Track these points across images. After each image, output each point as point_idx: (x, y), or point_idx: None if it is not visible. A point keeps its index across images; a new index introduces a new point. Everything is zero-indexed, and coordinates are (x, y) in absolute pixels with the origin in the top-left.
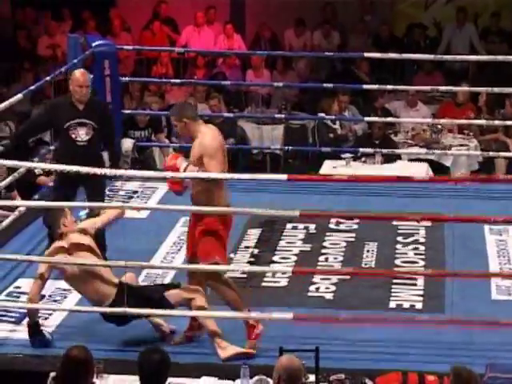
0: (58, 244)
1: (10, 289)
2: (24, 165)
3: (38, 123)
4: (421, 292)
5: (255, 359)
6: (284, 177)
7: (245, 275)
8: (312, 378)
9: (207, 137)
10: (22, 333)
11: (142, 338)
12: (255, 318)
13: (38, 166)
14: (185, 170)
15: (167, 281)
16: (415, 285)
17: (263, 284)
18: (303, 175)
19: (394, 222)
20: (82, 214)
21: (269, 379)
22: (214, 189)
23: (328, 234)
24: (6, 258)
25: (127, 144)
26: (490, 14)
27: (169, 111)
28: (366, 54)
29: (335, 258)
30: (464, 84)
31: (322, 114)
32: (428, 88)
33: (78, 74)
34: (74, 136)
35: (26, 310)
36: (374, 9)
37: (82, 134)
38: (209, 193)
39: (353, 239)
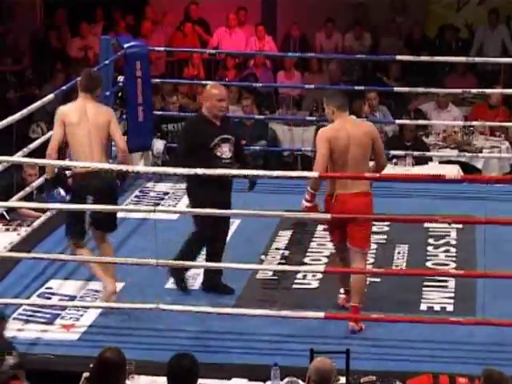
0: None
1: (42, 289)
2: (72, 164)
3: (186, 151)
4: (452, 294)
5: (286, 360)
6: (315, 174)
7: (276, 277)
8: (343, 380)
9: (326, 127)
10: (53, 333)
11: (173, 339)
12: (286, 317)
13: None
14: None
15: (198, 283)
16: (446, 287)
17: (294, 286)
18: (333, 173)
19: (426, 224)
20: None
21: (299, 381)
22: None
23: None
24: (38, 257)
25: (158, 145)
26: None
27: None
28: (398, 57)
29: (366, 260)
30: (497, 86)
31: (353, 116)
32: (459, 90)
33: (216, 88)
34: (219, 154)
35: (56, 311)
36: (405, 10)
37: (225, 151)
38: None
39: (384, 241)
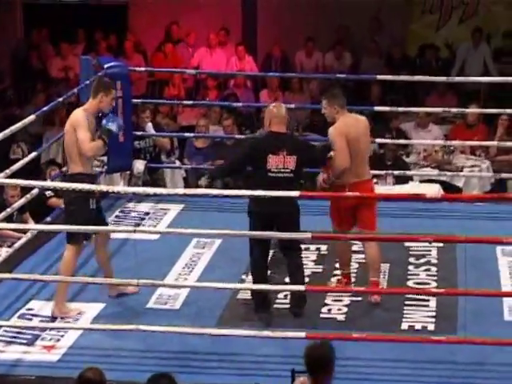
0: None
1: (23, 310)
2: (49, 185)
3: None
4: (433, 313)
5: (267, 381)
6: (296, 193)
7: None
8: None
9: (337, 124)
10: (34, 354)
11: (154, 360)
12: (268, 337)
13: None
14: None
15: (179, 303)
16: (427, 306)
17: (275, 306)
18: (315, 192)
19: (406, 243)
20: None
21: None
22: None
23: None
24: (18, 277)
25: (139, 165)
26: (502, 34)
27: (181, 132)
28: (379, 77)
29: None
30: (474, 105)
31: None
32: (439, 109)
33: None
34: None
35: (37, 332)
36: (385, 29)
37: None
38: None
39: (365, 260)
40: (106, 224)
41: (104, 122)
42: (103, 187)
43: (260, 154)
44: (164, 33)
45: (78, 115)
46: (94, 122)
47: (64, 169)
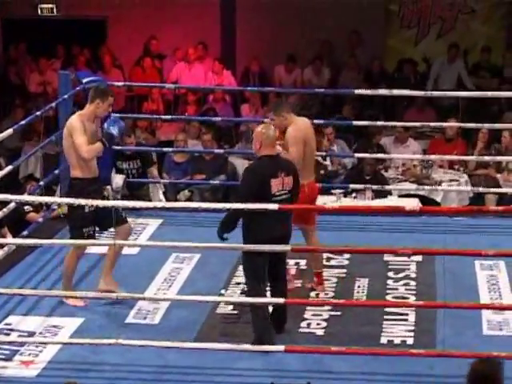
0: None
1: (1, 326)
2: (31, 199)
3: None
4: (412, 327)
5: None
6: (275, 206)
7: (236, 311)
8: None
9: (294, 126)
10: (12, 370)
11: (133, 374)
12: (247, 350)
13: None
14: None
15: (158, 317)
16: (406, 320)
17: None
18: (293, 205)
19: (385, 258)
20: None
21: None
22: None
23: None
24: None
25: (118, 180)
26: (480, 49)
27: (159, 147)
28: (357, 91)
29: (326, 294)
30: (452, 120)
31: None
32: (418, 124)
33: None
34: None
35: (15, 347)
36: (364, 44)
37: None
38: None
39: (344, 275)
40: (122, 217)
41: (105, 125)
42: (80, 201)
43: (263, 180)
44: (143, 47)
45: (73, 121)
46: (93, 126)
47: (41, 183)
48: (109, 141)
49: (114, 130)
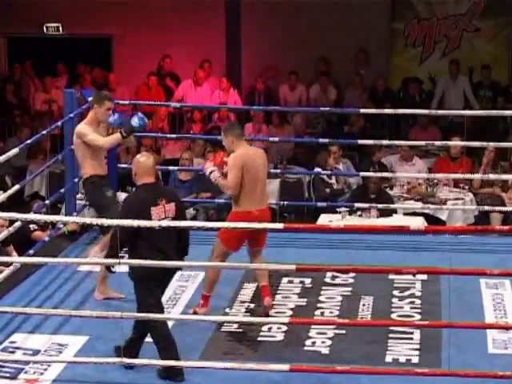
0: None
1: (5, 344)
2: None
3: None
4: (417, 346)
5: None
6: (280, 226)
7: (241, 329)
8: None
9: (235, 154)
10: None
11: None
12: (251, 369)
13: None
14: (210, 173)
15: None
16: (411, 339)
17: (259, 338)
18: (299, 224)
19: (390, 276)
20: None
21: None
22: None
23: (324, 288)
24: (1, 310)
25: (123, 197)
26: (481, 67)
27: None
28: (362, 110)
29: (331, 313)
30: (456, 138)
31: (318, 169)
32: (423, 143)
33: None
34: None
35: (20, 366)
36: (369, 62)
37: None
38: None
39: (349, 293)
40: None
41: (129, 118)
42: (76, 219)
43: (141, 210)
44: (157, 65)
45: (79, 127)
46: (100, 128)
47: (47, 201)
48: (128, 132)
49: (135, 122)
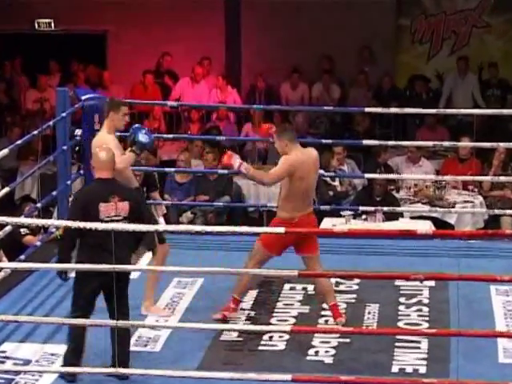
0: None
1: None
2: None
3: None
4: (425, 355)
5: None
6: (281, 230)
7: (241, 338)
8: None
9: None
10: None
11: None
12: (252, 379)
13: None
14: (239, 166)
15: (160, 345)
16: (419, 348)
17: (260, 348)
18: (301, 228)
19: (396, 283)
20: None
21: None
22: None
23: None
24: None
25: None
26: (489, 65)
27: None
28: (367, 109)
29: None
30: (465, 139)
31: (321, 171)
32: (430, 143)
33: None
34: None
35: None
36: (374, 60)
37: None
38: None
39: (353, 300)
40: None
41: (133, 134)
42: (69, 223)
43: (88, 205)
44: (156, 63)
45: (102, 138)
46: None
47: (38, 204)
48: (140, 150)
49: (144, 139)
